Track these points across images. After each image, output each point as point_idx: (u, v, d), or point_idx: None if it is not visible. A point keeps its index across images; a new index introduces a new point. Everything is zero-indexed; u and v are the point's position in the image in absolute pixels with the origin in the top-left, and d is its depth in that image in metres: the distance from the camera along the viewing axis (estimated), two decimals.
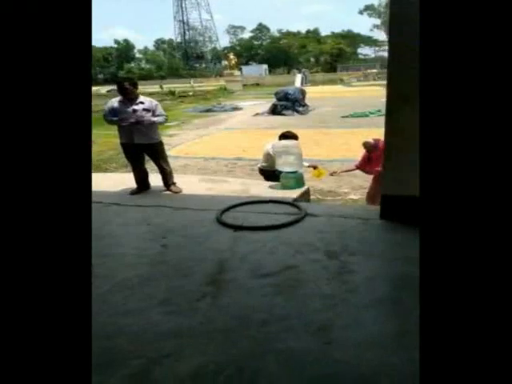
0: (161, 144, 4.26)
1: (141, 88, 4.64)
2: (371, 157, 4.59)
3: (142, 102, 4.06)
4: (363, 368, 1.64)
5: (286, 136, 4.76)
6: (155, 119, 4.10)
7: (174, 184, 4.29)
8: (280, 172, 4.39)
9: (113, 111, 4.05)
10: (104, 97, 25.63)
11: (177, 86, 32.69)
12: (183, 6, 78.50)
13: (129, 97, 4.02)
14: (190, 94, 29.87)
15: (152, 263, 2.66)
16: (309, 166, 4.83)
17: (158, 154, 4.20)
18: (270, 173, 4.69)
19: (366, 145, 4.60)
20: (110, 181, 4.97)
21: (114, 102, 4.11)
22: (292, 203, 3.62)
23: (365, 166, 4.72)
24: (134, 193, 4.21)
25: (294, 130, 5.13)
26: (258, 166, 5.11)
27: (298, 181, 4.27)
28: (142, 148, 4.12)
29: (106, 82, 55.07)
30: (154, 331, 1.94)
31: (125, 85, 4.00)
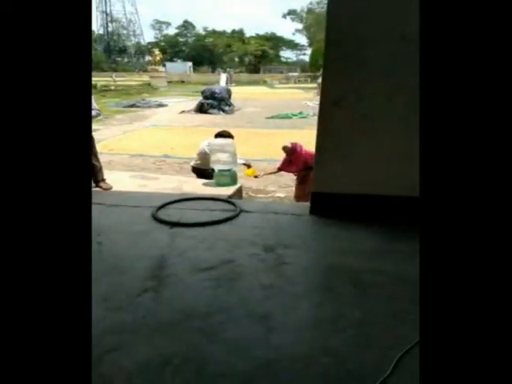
0: (91, 139, 4.11)
1: None
2: (291, 159, 4.89)
3: None
4: (305, 348, 1.78)
5: (221, 135, 4.86)
6: (97, 111, 3.96)
7: (103, 180, 4.17)
8: (213, 170, 4.47)
9: None
10: None
11: (98, 79, 31.13)
12: None
13: None
14: (112, 88, 28.63)
15: None
16: (243, 164, 4.98)
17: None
18: (203, 171, 4.75)
19: (285, 149, 4.93)
20: None
21: None
22: (227, 200, 3.70)
23: (286, 167, 5.03)
24: None
25: (220, 129, 5.26)
26: (192, 163, 5.14)
27: (233, 178, 4.38)
28: None
29: None
30: (97, 327, 1.91)
31: None
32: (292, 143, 4.79)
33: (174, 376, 1.62)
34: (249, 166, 5.07)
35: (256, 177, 5.24)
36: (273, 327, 1.92)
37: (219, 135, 4.88)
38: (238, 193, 4.24)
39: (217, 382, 1.58)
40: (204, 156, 4.72)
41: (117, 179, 4.39)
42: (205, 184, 4.38)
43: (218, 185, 4.23)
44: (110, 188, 4.08)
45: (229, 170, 4.30)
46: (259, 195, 5.63)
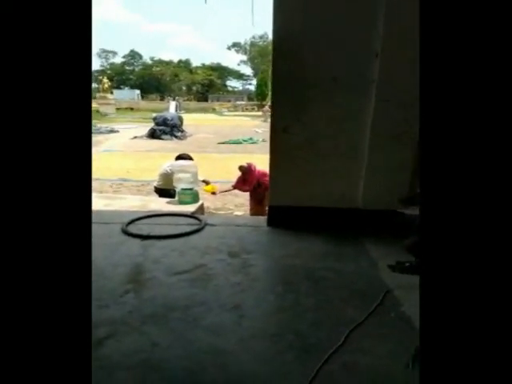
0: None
1: None
2: (246, 178, 5.32)
3: None
4: (273, 330, 2.13)
5: (182, 157, 5.21)
6: None
7: None
8: (175, 191, 4.78)
9: None
10: None
11: None
12: None
13: None
14: None
15: None
16: (202, 181, 5.33)
17: None
18: (166, 191, 5.04)
19: (241, 168, 5.35)
20: None
21: None
22: (191, 215, 4.02)
23: (241, 186, 5.44)
24: None
25: (174, 154, 5.64)
26: (154, 184, 5.41)
27: (194, 197, 4.70)
28: None
29: None
30: None
31: None
32: (247, 163, 5.24)
33: (164, 353, 1.91)
34: (207, 183, 5.43)
35: (214, 193, 5.61)
36: (244, 315, 2.26)
37: (180, 158, 5.23)
38: (201, 210, 4.57)
39: (202, 358, 1.88)
40: (166, 177, 5.02)
41: None
42: (168, 202, 4.67)
43: (181, 203, 4.53)
44: None
45: (191, 189, 4.63)
46: (219, 212, 5.98)
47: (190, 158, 5.28)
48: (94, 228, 3.64)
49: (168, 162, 5.27)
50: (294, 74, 3.34)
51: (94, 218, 3.82)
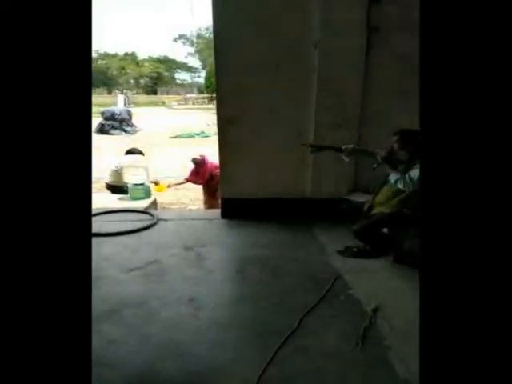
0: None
1: None
2: (199, 171, 5.31)
3: None
4: (229, 319, 2.18)
5: (132, 152, 5.09)
6: None
7: None
8: (127, 187, 4.68)
9: None
10: None
11: None
12: None
13: None
14: None
15: None
16: (151, 182, 5.25)
17: None
18: (118, 187, 4.93)
19: (195, 160, 5.32)
20: None
21: None
22: (144, 211, 3.97)
23: (194, 178, 5.41)
24: None
25: (124, 149, 5.53)
26: (106, 181, 5.27)
27: (146, 192, 4.63)
28: None
29: None
30: None
31: None
32: (201, 155, 5.25)
33: (120, 350, 1.91)
34: (156, 183, 5.36)
35: (169, 186, 5.54)
36: (200, 307, 2.29)
37: (130, 152, 5.12)
38: (153, 205, 4.51)
39: (159, 351, 1.89)
40: (117, 173, 4.91)
41: None
42: (120, 198, 4.56)
43: (133, 198, 4.45)
44: None
45: (142, 184, 4.55)
46: (173, 207, 5.93)
47: (141, 153, 5.19)
48: None
49: (118, 158, 5.15)
50: (236, 65, 3.37)
51: None
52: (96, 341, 1.95)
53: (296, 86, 3.42)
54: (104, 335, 2.00)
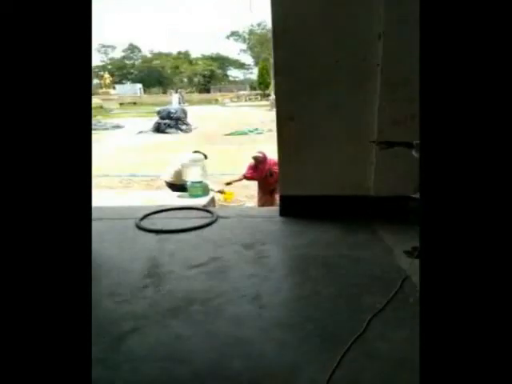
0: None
1: None
2: (258, 167, 5.28)
3: None
4: (291, 319, 2.16)
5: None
6: None
7: None
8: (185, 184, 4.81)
9: None
10: None
11: None
12: None
13: None
14: None
15: None
16: (217, 192, 5.32)
17: None
18: (178, 185, 5.07)
19: (257, 158, 5.27)
20: None
21: None
22: (203, 208, 4.05)
23: (252, 174, 5.39)
24: None
25: (181, 148, 5.69)
26: (166, 179, 5.44)
27: (204, 190, 4.72)
28: None
29: None
30: (111, 316, 2.20)
31: None
32: (261, 152, 5.25)
33: (188, 345, 1.94)
34: (222, 192, 5.44)
35: (229, 184, 5.58)
36: (263, 305, 2.28)
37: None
38: (212, 202, 4.60)
39: (226, 348, 1.91)
40: (176, 171, 5.05)
41: (94, 196, 4.60)
42: (179, 196, 4.69)
43: (192, 196, 4.56)
44: None
45: (200, 182, 4.64)
46: (230, 204, 6.01)
47: (205, 156, 5.37)
48: (109, 224, 3.69)
49: (178, 156, 5.30)
50: (295, 61, 3.31)
51: (107, 214, 3.87)
52: (165, 336, 2.01)
53: (358, 80, 3.32)
54: (172, 331, 2.05)
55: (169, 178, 5.26)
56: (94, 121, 22.56)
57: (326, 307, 2.24)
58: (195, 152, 5.39)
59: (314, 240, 3.18)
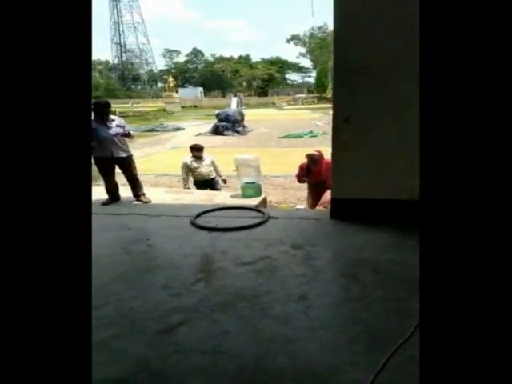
0: (132, 156, 4.62)
1: None
2: (311, 169, 4.88)
3: (113, 120, 4.42)
4: (339, 320, 2.15)
5: (197, 148, 5.59)
6: (131, 131, 4.50)
7: (143, 195, 4.63)
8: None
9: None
10: None
11: (116, 106, 32.34)
12: (120, 29, 79.04)
13: (106, 116, 4.35)
14: (130, 114, 29.71)
15: (143, 259, 3.01)
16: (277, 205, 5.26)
17: (131, 165, 4.55)
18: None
19: (312, 156, 4.86)
20: None
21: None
22: (255, 208, 4.12)
23: (303, 176, 5.00)
24: (106, 203, 4.49)
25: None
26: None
27: (257, 190, 4.79)
28: (118, 161, 4.45)
29: None
30: (163, 308, 2.31)
31: (105, 105, 4.37)
32: (318, 151, 4.83)
33: (234, 340, 2.00)
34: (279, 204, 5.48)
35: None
36: (310, 305, 2.30)
37: (196, 149, 5.67)
38: (263, 203, 4.66)
39: (270, 346, 1.94)
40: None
41: (153, 194, 4.85)
42: (232, 196, 4.80)
43: (245, 196, 4.65)
44: (150, 201, 4.55)
45: (253, 183, 4.72)
46: (282, 206, 6.06)
47: (201, 148, 5.67)
48: (165, 220, 3.87)
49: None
50: (355, 62, 3.29)
51: (165, 211, 4.07)
52: (212, 330, 2.08)
53: (416, 82, 3.21)
54: (220, 325, 2.12)
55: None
56: (156, 123, 23.64)
57: (373, 310, 2.21)
58: (192, 147, 5.66)
59: (364, 244, 3.14)
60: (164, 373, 1.77)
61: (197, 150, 5.68)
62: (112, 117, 4.49)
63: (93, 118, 4.41)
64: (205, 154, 5.77)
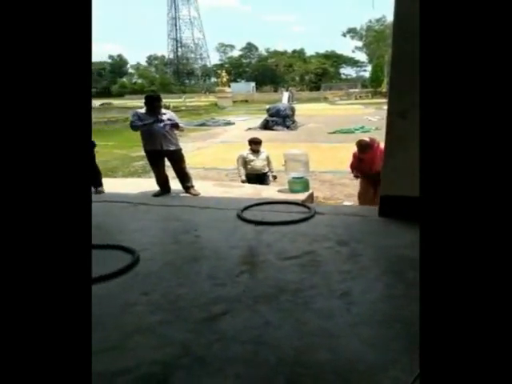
0: (181, 150, 4.76)
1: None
2: (362, 158, 4.59)
3: (164, 113, 4.57)
4: (381, 317, 2.12)
5: (255, 142, 5.58)
6: (182, 124, 4.63)
7: (192, 187, 4.77)
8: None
9: (140, 120, 4.52)
10: (97, 110, 25.96)
11: (170, 100, 33.47)
12: (177, 24, 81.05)
13: (157, 109, 4.51)
14: (183, 108, 30.53)
15: (191, 249, 3.11)
16: None
17: (180, 158, 4.70)
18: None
19: (361, 143, 4.58)
20: (128, 185, 5.41)
21: (139, 112, 4.59)
22: (301, 204, 4.11)
23: (355, 166, 4.75)
24: (157, 195, 4.68)
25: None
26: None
27: (305, 185, 4.78)
28: (168, 154, 4.61)
29: (98, 95, 55.44)
30: (208, 297, 2.38)
31: (156, 98, 4.54)
32: (371, 138, 4.54)
33: (275, 332, 2.03)
34: None
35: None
36: (352, 301, 2.28)
37: (253, 143, 5.67)
38: (310, 198, 4.64)
39: (312, 339, 1.95)
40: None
41: (202, 187, 4.98)
42: (280, 191, 4.83)
43: (292, 191, 4.65)
44: (199, 194, 4.68)
45: (301, 178, 4.72)
46: (329, 202, 6.01)
47: (259, 142, 5.66)
48: (213, 213, 3.97)
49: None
50: (413, 55, 3.17)
51: (212, 204, 4.17)
52: (254, 321, 2.12)
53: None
54: (262, 316, 2.15)
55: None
56: (207, 117, 24.09)
57: (417, 309, 2.14)
58: (250, 141, 5.66)
59: (411, 242, 3.04)
60: (205, 359, 1.83)
61: (255, 144, 5.69)
62: (163, 110, 4.63)
63: (144, 111, 4.58)
64: (261, 149, 5.78)
